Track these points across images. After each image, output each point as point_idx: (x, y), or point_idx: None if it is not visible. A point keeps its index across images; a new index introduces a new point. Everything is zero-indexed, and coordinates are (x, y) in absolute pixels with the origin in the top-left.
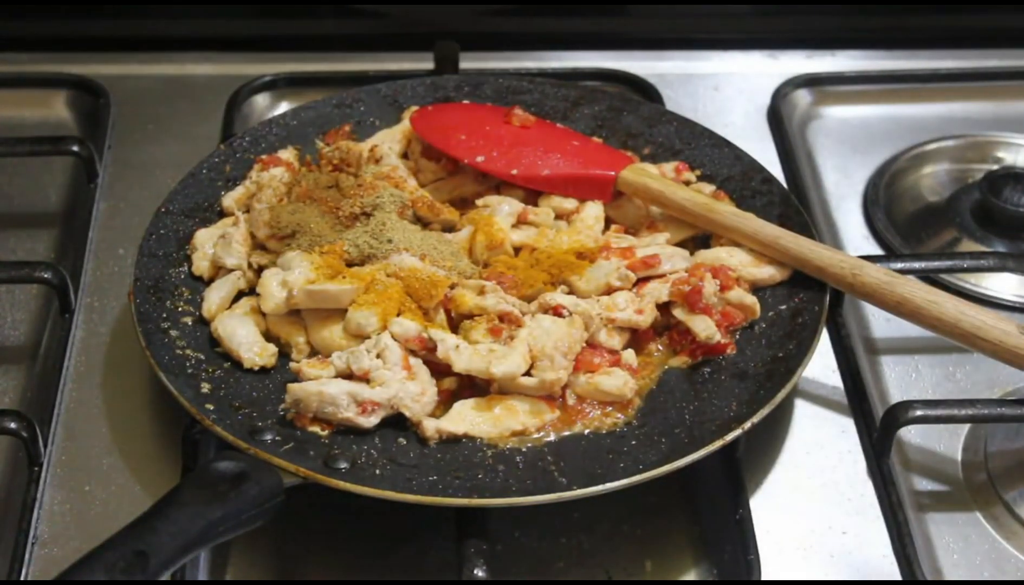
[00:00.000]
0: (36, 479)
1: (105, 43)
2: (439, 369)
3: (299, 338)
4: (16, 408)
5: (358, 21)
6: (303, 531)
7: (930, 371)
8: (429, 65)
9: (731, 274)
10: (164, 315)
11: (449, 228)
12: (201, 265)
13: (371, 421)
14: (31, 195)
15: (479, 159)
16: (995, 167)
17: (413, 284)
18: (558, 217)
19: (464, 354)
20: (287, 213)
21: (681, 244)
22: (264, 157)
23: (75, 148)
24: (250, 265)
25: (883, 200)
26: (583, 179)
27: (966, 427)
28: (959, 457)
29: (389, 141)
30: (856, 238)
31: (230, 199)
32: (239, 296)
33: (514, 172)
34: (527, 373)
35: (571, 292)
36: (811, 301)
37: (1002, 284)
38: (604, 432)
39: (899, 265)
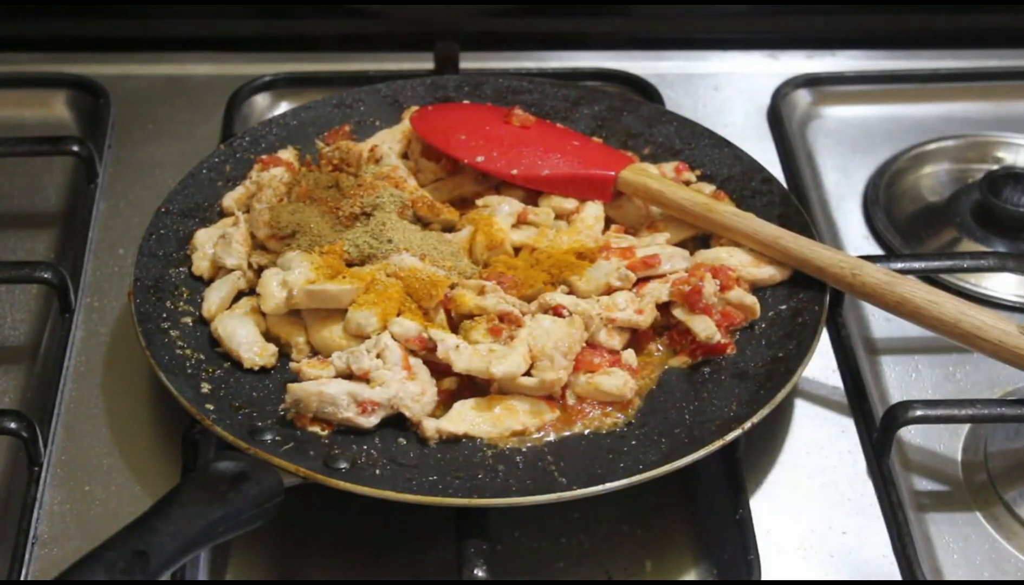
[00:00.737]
0: (36, 479)
1: (105, 43)
2: (439, 369)
3: (299, 338)
4: (16, 408)
5: (358, 21)
6: (303, 531)
7: (930, 371)
8: (429, 65)
9: (731, 274)
10: (164, 315)
11: (449, 228)
12: (201, 265)
13: (371, 421)
14: (31, 195)
15: (479, 159)
16: (995, 167)
17: (413, 284)
18: (558, 217)
19: (464, 354)
20: (287, 213)
21: (681, 244)
22: (264, 157)
23: (75, 148)
24: (250, 265)
25: (883, 200)
26: (583, 179)
27: (966, 427)
28: (959, 457)
29: (389, 141)
30: (856, 238)
31: (230, 199)
32: (239, 296)
33: (514, 172)
34: (527, 373)
35: (571, 292)
36: (811, 301)
37: (1002, 284)
38: (604, 432)
39: (899, 265)
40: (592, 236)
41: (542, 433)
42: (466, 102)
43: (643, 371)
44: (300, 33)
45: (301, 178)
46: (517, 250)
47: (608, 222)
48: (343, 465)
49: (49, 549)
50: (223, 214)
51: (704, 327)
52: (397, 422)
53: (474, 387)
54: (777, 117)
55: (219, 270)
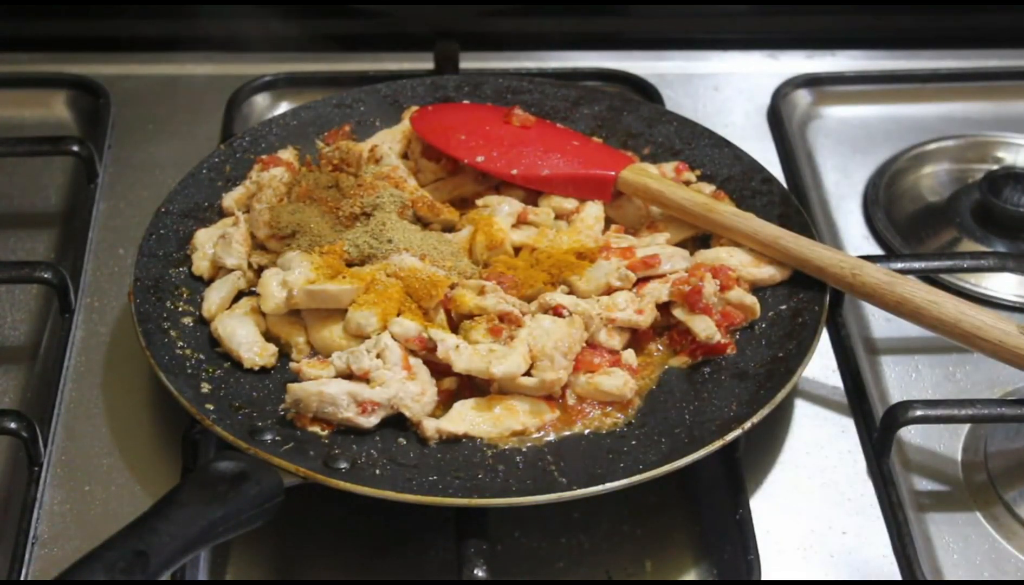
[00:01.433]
0: (36, 479)
1: (105, 43)
2: (439, 369)
3: (299, 338)
4: (16, 408)
5: (358, 21)
6: (303, 531)
7: (930, 371)
8: (429, 65)
9: (731, 274)
10: (164, 315)
11: (449, 228)
12: (201, 265)
13: (371, 421)
14: (31, 195)
15: (479, 159)
16: (995, 167)
17: (413, 284)
18: (558, 217)
19: (464, 354)
20: (287, 213)
21: (681, 244)
22: (264, 157)
23: (75, 148)
24: (250, 265)
25: (883, 200)
26: (583, 179)
27: (966, 427)
28: (959, 457)
29: (389, 141)
30: (856, 238)
31: (230, 199)
32: (239, 296)
33: (514, 172)
34: (527, 373)
35: (571, 292)
36: (811, 301)
37: (1002, 284)
38: (604, 432)
39: (899, 265)
40: (592, 236)
41: (542, 433)
42: (466, 102)
43: (643, 371)
44: (300, 33)
45: (301, 178)
46: (517, 250)
47: (608, 222)
48: (343, 465)
49: (49, 549)
50: (223, 214)
51: (704, 327)
52: (397, 422)
53: (474, 387)
54: (777, 117)
55: (219, 270)
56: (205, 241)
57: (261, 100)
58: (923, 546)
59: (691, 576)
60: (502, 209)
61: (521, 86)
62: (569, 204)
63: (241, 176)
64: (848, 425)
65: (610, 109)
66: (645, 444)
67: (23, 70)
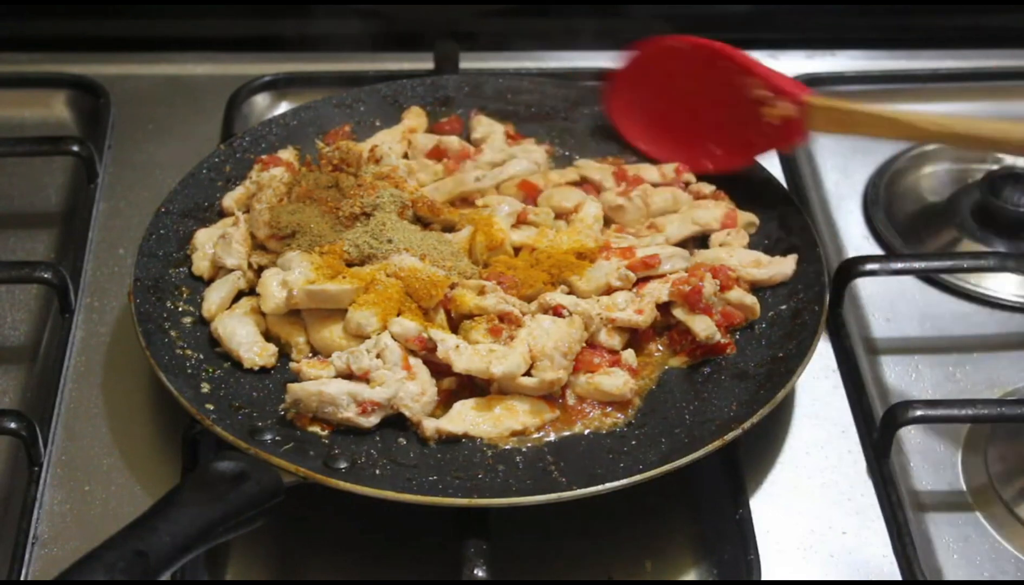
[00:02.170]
0: (36, 479)
1: (105, 43)
2: (439, 369)
3: (299, 338)
4: (16, 408)
5: (358, 21)
6: (303, 531)
7: (930, 371)
8: (429, 65)
9: (731, 274)
10: (164, 315)
11: (449, 228)
12: (201, 265)
13: (371, 421)
14: (31, 195)
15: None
16: (995, 167)
17: (413, 284)
18: (558, 217)
19: (464, 354)
20: (287, 213)
21: (681, 244)
22: (264, 157)
23: (75, 148)
24: (250, 265)
25: (883, 200)
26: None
27: (966, 427)
28: (959, 457)
29: (389, 141)
30: (856, 238)
31: (230, 199)
32: (239, 296)
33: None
34: (527, 373)
35: (571, 292)
36: (811, 301)
37: (1002, 284)
38: (604, 432)
39: (899, 265)
40: (592, 236)
41: (542, 433)
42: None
43: (643, 371)
44: (300, 33)
45: (301, 178)
46: (517, 250)
47: (608, 222)
48: (343, 465)
49: (49, 549)
50: (223, 214)
51: (704, 327)
52: (397, 422)
53: (474, 387)
54: None
55: (219, 270)
56: (205, 241)
57: (261, 100)
58: (923, 546)
59: (691, 576)
60: (502, 209)
61: (521, 86)
62: (569, 203)
63: (241, 176)
64: (848, 425)
65: None
66: (645, 444)
67: (23, 70)
